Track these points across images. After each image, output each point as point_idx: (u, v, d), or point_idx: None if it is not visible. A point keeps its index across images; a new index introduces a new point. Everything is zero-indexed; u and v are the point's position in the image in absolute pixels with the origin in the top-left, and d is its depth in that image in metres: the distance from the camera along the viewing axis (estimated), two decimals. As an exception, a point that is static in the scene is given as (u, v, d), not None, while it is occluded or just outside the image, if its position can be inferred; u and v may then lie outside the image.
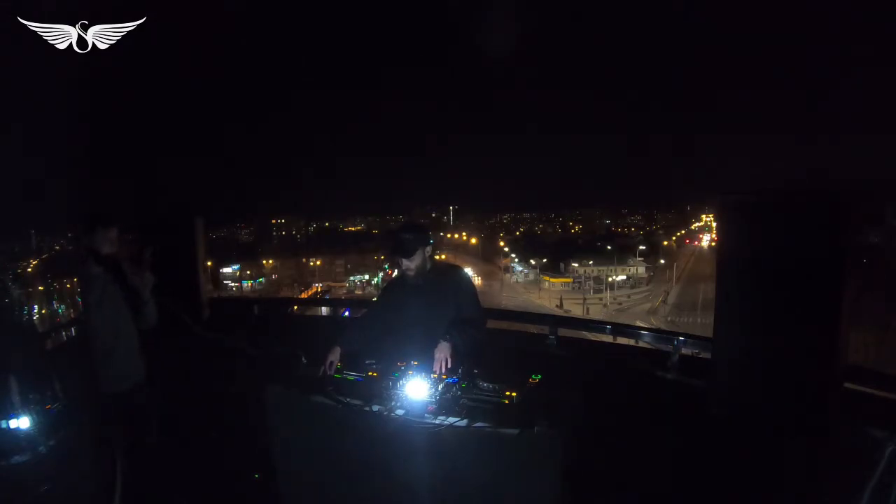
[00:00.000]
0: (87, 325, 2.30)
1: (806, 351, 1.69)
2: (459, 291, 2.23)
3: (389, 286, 2.47)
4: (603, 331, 3.42)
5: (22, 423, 2.21)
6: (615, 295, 37.75)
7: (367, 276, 43.36)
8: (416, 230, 2.22)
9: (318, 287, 42.15)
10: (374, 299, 2.66)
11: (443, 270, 2.31)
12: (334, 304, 6.59)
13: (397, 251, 2.18)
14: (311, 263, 45.13)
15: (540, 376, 1.94)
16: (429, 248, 2.22)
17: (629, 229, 58.67)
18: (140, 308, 2.40)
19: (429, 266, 2.23)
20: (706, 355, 2.47)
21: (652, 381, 2.59)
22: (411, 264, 2.18)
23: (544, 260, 43.15)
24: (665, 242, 50.00)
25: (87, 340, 2.30)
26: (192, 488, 2.42)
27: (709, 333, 2.16)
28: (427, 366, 1.99)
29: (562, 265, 41.29)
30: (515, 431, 1.69)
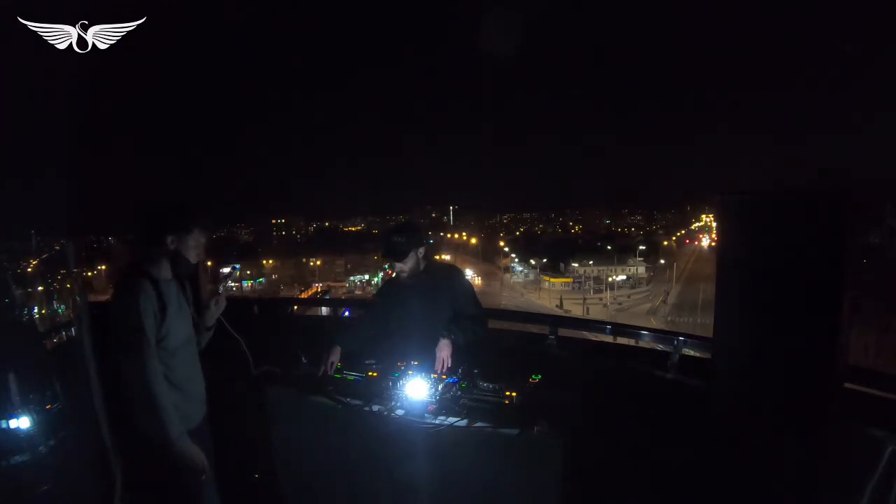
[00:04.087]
0: (146, 357, 1.60)
1: (806, 351, 1.69)
2: (456, 290, 2.22)
3: (386, 286, 2.47)
4: (603, 331, 3.41)
5: (22, 423, 2.21)
6: (615, 295, 37.73)
7: (367, 276, 43.34)
8: (408, 232, 2.19)
9: (318, 287, 42.13)
10: (372, 299, 2.65)
11: (439, 270, 2.30)
12: (334, 304, 6.58)
13: (388, 254, 2.17)
14: (311, 263, 45.12)
15: (540, 376, 1.94)
16: (422, 250, 2.20)
17: (629, 229, 58.75)
18: (199, 335, 1.87)
19: (423, 266, 2.22)
20: (706, 355, 2.47)
21: (652, 381, 2.59)
22: (404, 266, 2.17)
23: (544, 260, 43.15)
24: (665, 242, 50.03)
25: (146, 382, 1.60)
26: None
27: (709, 333, 2.16)
28: (427, 365, 1.99)
29: (562, 265, 41.29)
30: (515, 431, 1.69)
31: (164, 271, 1.72)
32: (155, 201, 1.80)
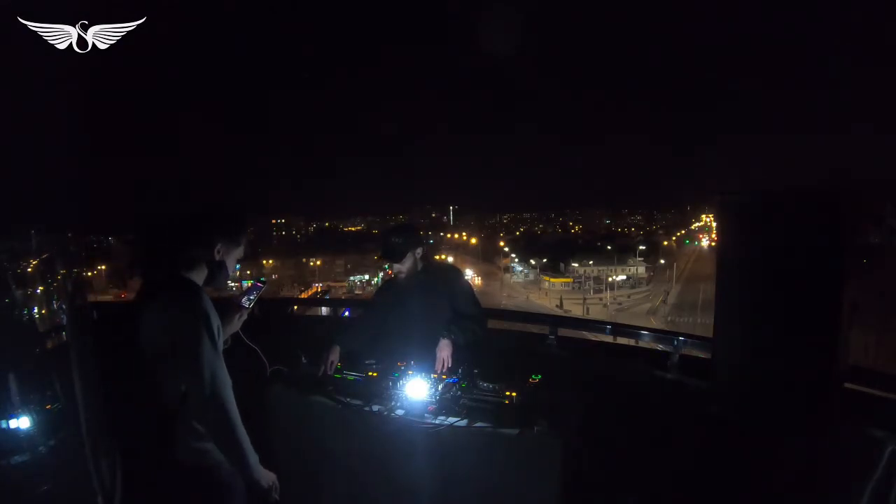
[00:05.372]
0: (224, 376, 1.47)
1: (806, 351, 1.69)
2: (455, 290, 2.23)
3: (385, 286, 2.48)
4: (603, 331, 3.41)
5: (22, 423, 2.22)
6: (615, 295, 37.73)
7: (367, 276, 43.35)
8: (406, 233, 2.20)
9: (318, 287, 42.14)
10: (371, 299, 2.65)
11: (438, 270, 2.31)
12: (334, 304, 6.57)
13: (386, 255, 2.17)
14: (311, 263, 45.12)
15: (540, 376, 1.94)
16: (420, 250, 2.20)
17: (629, 229, 58.87)
18: None
19: (421, 266, 2.23)
20: (706, 355, 2.47)
21: (652, 381, 2.59)
22: (402, 267, 2.18)
23: (544, 260, 43.17)
24: (665, 242, 50.06)
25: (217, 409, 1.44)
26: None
27: (709, 333, 2.16)
28: (427, 365, 1.99)
29: (562, 265, 41.30)
30: (515, 431, 1.69)
31: (200, 280, 1.56)
32: (206, 204, 1.65)
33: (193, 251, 1.54)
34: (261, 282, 1.80)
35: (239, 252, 1.65)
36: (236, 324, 1.72)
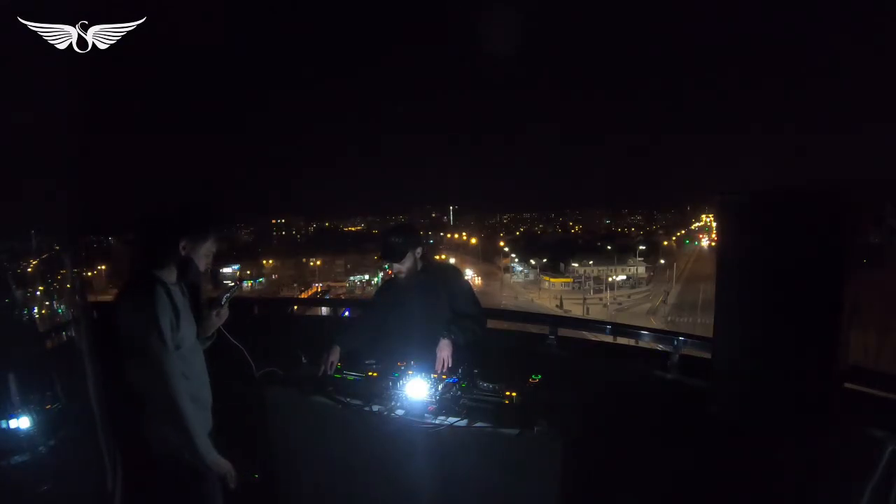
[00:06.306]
0: (168, 367, 1.53)
1: (806, 351, 1.69)
2: (454, 290, 2.23)
3: (385, 286, 2.48)
4: (603, 331, 3.41)
5: (22, 423, 2.22)
6: (615, 295, 37.73)
7: (367, 276, 43.32)
8: (405, 233, 2.22)
9: (318, 287, 42.13)
10: (371, 299, 2.66)
11: (437, 270, 2.31)
12: (334, 304, 6.58)
13: (386, 255, 2.18)
14: (311, 263, 45.11)
15: (540, 376, 1.95)
16: (419, 250, 2.21)
17: (629, 229, 58.82)
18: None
19: (420, 266, 2.23)
20: (706, 355, 2.47)
21: (652, 381, 2.59)
22: (402, 267, 2.18)
23: (544, 260, 43.17)
24: (665, 242, 50.04)
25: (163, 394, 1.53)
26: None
27: (709, 333, 2.16)
28: (427, 365, 1.99)
29: (562, 265, 41.29)
30: (515, 431, 1.69)
31: (172, 276, 1.64)
32: (171, 202, 1.77)
33: (158, 249, 1.63)
34: (239, 280, 1.87)
35: (208, 247, 1.71)
36: (214, 321, 1.78)
